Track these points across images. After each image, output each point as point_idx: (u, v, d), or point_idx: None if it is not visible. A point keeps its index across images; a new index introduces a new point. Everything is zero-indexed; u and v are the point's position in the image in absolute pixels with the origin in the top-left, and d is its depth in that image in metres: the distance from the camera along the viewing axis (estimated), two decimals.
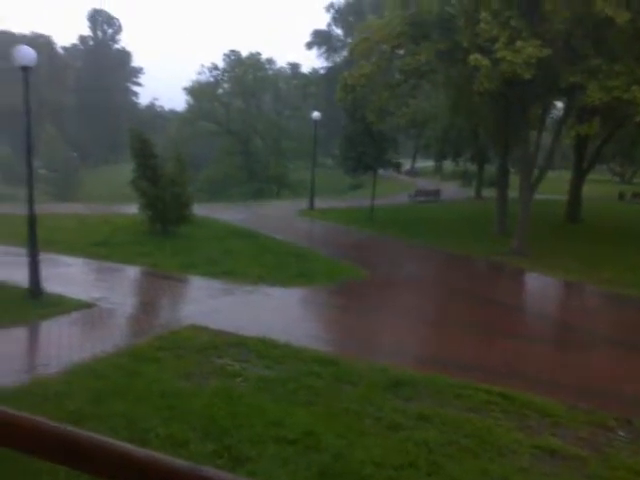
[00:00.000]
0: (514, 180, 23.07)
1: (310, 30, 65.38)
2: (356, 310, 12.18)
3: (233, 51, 59.81)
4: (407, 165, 53.77)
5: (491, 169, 35.01)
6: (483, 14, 16.86)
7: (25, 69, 10.22)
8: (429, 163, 59.85)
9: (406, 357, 9.11)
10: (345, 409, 6.42)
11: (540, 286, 16.70)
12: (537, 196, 20.48)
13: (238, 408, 6.18)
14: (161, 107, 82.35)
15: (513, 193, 22.16)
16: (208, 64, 58.92)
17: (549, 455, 5.74)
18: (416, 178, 52.43)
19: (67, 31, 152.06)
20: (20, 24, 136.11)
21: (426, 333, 11.19)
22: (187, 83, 58.65)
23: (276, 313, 11.24)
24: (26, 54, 10.27)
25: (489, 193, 32.13)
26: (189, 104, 60.99)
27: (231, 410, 6.09)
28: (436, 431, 5.99)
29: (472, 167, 41.05)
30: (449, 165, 48.69)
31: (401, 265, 17.84)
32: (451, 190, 39.16)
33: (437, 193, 35.76)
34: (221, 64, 59.27)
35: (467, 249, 19.61)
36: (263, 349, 8.27)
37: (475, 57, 16.77)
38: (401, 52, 22.55)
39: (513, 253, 18.85)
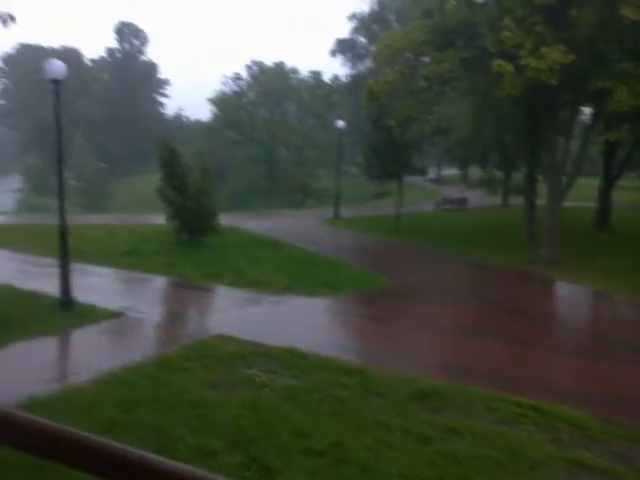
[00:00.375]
0: (542, 187, 22.75)
1: (333, 38, 65.78)
2: (382, 320, 12.11)
3: (255, 61, 60.62)
4: (432, 173, 53.44)
5: (518, 176, 34.59)
6: (507, 21, 16.74)
7: (56, 82, 10.46)
8: (454, 171, 59.45)
9: (433, 367, 9.02)
10: (373, 420, 6.38)
11: (570, 295, 16.41)
12: (565, 203, 20.16)
13: (265, 418, 6.19)
14: (187, 117, 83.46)
15: (541, 201, 21.85)
16: (231, 74, 59.91)
17: (582, 470, 5.61)
18: (441, 186, 52.08)
19: (95, 43, 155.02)
20: (50, 38, 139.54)
21: (453, 343, 11.07)
22: (211, 93, 59.61)
23: (302, 323, 11.24)
24: (57, 68, 10.52)
25: (516, 201, 31.73)
26: (214, 114, 61.82)
27: (259, 420, 6.10)
28: (466, 444, 5.91)
29: (498, 174, 40.60)
30: (474, 172, 48.26)
31: (427, 274, 17.70)
32: (477, 198, 38.80)
33: (463, 201, 35.44)
34: (244, 74, 60.16)
35: (494, 258, 19.37)
36: (290, 359, 8.28)
37: (498, 63, 16.64)
38: (425, 59, 22.52)
39: (541, 262, 18.56)
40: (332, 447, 5.58)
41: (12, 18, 9.51)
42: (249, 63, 60.48)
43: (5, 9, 9.79)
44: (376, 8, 61.87)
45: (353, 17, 63.17)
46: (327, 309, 13.08)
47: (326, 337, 10.36)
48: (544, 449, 5.97)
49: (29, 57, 72.15)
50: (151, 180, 26.51)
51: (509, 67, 16.43)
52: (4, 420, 1.43)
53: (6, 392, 6.63)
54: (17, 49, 75.01)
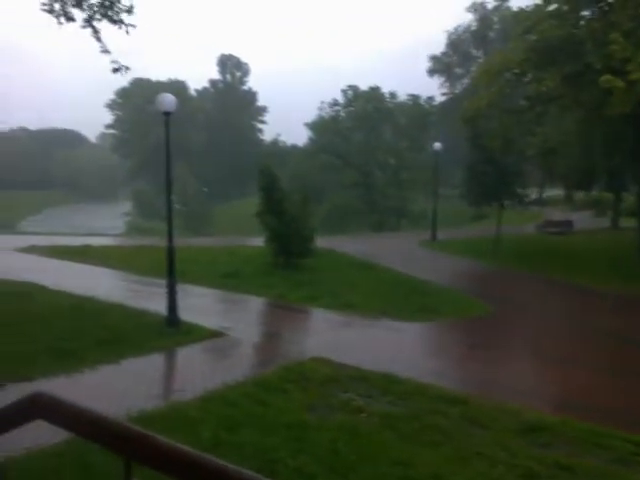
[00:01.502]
0: None
1: (428, 58, 65.41)
2: (482, 347, 11.69)
3: (351, 86, 61.41)
4: (534, 194, 51.37)
5: (629, 197, 32.49)
6: (614, 35, 15.93)
7: (167, 114, 11.11)
8: (558, 192, 56.80)
9: (540, 399, 8.55)
10: (475, 453, 6.12)
11: None
12: None
13: (363, 444, 6.11)
14: (283, 142, 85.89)
15: None
16: (329, 99, 61.06)
17: None
18: (544, 208, 49.86)
19: (198, 75, 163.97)
20: (159, 72, 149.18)
21: (560, 374, 10.44)
22: (307, 117, 60.95)
23: (398, 348, 11.08)
24: (168, 101, 11.19)
25: (627, 223, 29.77)
26: (311, 139, 63.23)
27: (356, 446, 6.03)
28: None
29: (607, 195, 38.31)
30: (580, 193, 45.84)
31: (529, 300, 16.92)
32: (583, 220, 36.77)
33: (569, 224, 33.69)
34: (340, 98, 61.13)
35: (603, 283, 18.20)
36: (387, 385, 8.16)
37: (607, 78, 15.81)
38: (525, 79, 21.88)
39: None
40: (431, 478, 5.41)
41: (127, 69, 10.59)
42: (344, 88, 61.35)
43: (122, 61, 10.81)
44: (474, 27, 61.17)
45: (451, 34, 62.74)
46: (423, 334, 12.83)
47: (423, 363, 10.13)
48: None
49: (140, 90, 77.66)
50: (250, 204, 27.41)
51: (619, 82, 15.59)
52: (145, 442, 1.51)
53: (118, 406, 7.02)
54: (130, 83, 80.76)
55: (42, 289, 14.25)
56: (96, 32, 10.88)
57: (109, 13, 10.81)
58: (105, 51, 10.91)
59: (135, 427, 1.56)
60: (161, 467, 1.47)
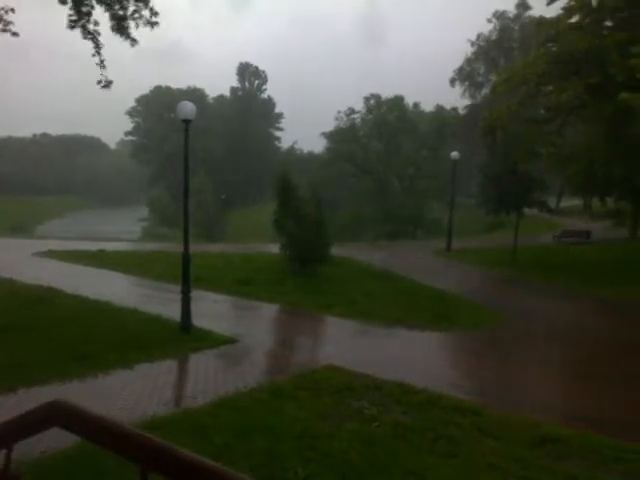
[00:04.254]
0: None
1: (450, 69, 65.30)
2: (497, 358, 11.57)
3: (373, 94, 61.26)
4: (552, 203, 50.91)
5: None
6: (636, 48, 15.75)
7: (186, 121, 11.18)
8: (576, 202, 56.25)
9: (554, 411, 8.42)
10: (488, 464, 6.04)
11: None
12: None
13: (376, 454, 6.07)
14: (300, 150, 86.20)
15: None
16: (345, 108, 60.93)
17: None
18: (562, 217, 49.37)
19: (215, 83, 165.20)
20: (178, 80, 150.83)
21: (576, 387, 10.27)
22: (324, 125, 60.98)
23: (413, 357, 11.00)
24: (188, 109, 11.26)
25: None
26: (327, 148, 63.23)
27: (369, 455, 5.99)
28: None
29: (626, 205, 37.77)
30: (598, 203, 45.32)
31: (546, 311, 16.72)
32: (601, 230, 36.32)
33: (587, 234, 33.28)
34: (360, 106, 61.04)
35: (622, 295, 17.95)
36: (400, 394, 8.10)
37: (626, 96, 15.58)
38: (546, 89, 21.74)
39: None
40: None
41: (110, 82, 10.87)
42: (367, 96, 61.18)
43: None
44: (495, 37, 60.97)
45: (474, 43, 62.57)
46: (439, 344, 12.72)
47: (437, 373, 10.04)
48: None
49: (159, 98, 78.59)
50: (266, 211, 27.51)
51: (638, 100, 15.36)
52: (163, 452, 1.51)
53: (131, 411, 7.06)
54: (151, 90, 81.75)
55: (59, 293, 14.40)
56: (128, 36, 11.22)
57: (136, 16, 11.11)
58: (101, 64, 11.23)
59: (152, 437, 1.56)
60: (178, 478, 1.47)
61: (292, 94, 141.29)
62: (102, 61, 11.31)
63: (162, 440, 1.54)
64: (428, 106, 63.89)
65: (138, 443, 1.56)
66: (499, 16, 61.04)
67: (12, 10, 10.95)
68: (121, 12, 11.24)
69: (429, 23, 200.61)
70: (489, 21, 61.59)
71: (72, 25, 11.11)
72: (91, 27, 11.18)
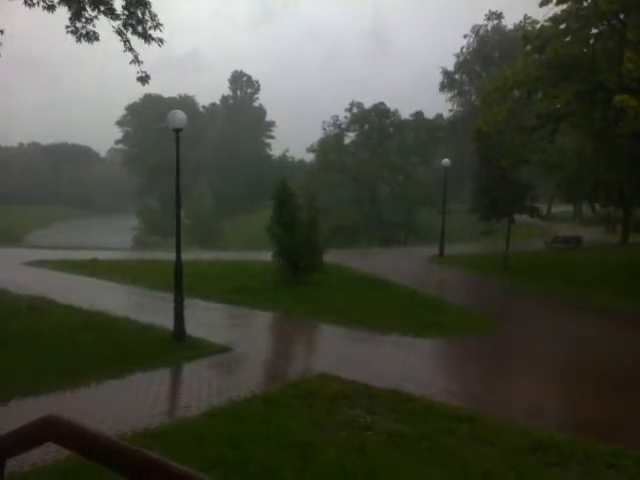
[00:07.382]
0: None
1: (437, 75, 65.75)
2: (492, 365, 11.58)
3: (355, 103, 61.57)
4: (543, 210, 51.26)
5: (638, 213, 32.34)
6: (628, 54, 15.89)
7: (177, 130, 11.17)
8: (567, 208, 56.70)
9: (549, 418, 8.44)
10: (484, 472, 6.03)
11: None
12: None
13: (370, 463, 6.04)
14: (292, 157, 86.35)
15: None
16: (330, 119, 61.55)
17: None
18: (552, 223, 49.69)
19: (206, 91, 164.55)
20: (168, 88, 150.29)
21: (571, 393, 10.28)
22: (313, 134, 61.36)
23: (407, 364, 10.97)
24: (179, 118, 11.25)
25: (637, 239, 29.58)
26: (316, 157, 63.77)
27: (363, 464, 5.97)
28: None
29: (615, 211, 38.13)
30: (589, 209, 45.75)
31: (539, 318, 16.72)
32: (591, 236, 36.55)
33: (578, 240, 33.50)
34: (343, 114, 61.52)
35: (613, 302, 18.01)
36: (395, 402, 8.08)
37: (621, 98, 15.72)
38: (536, 96, 21.90)
39: None
40: None
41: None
42: (349, 105, 61.57)
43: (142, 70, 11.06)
44: (475, 46, 61.83)
45: (459, 55, 63.30)
46: (433, 351, 12.72)
47: (432, 380, 10.02)
48: None
49: (150, 106, 78.36)
50: (259, 219, 27.51)
51: (633, 102, 15.49)
52: (158, 468, 1.50)
53: (123, 421, 6.99)
54: (141, 99, 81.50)
55: (50, 303, 14.30)
56: (127, 41, 11.12)
57: (138, 28, 11.03)
58: (136, 61, 11.14)
59: (145, 451, 1.55)
60: None
61: (292, 103, 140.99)
62: (136, 57, 11.22)
63: (154, 454, 1.54)
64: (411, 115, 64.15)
65: (130, 458, 1.55)
66: (478, 29, 62.26)
67: (1, 32, 10.87)
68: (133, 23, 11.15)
69: (427, 32, 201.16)
70: (465, 37, 62.65)
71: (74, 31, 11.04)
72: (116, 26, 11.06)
